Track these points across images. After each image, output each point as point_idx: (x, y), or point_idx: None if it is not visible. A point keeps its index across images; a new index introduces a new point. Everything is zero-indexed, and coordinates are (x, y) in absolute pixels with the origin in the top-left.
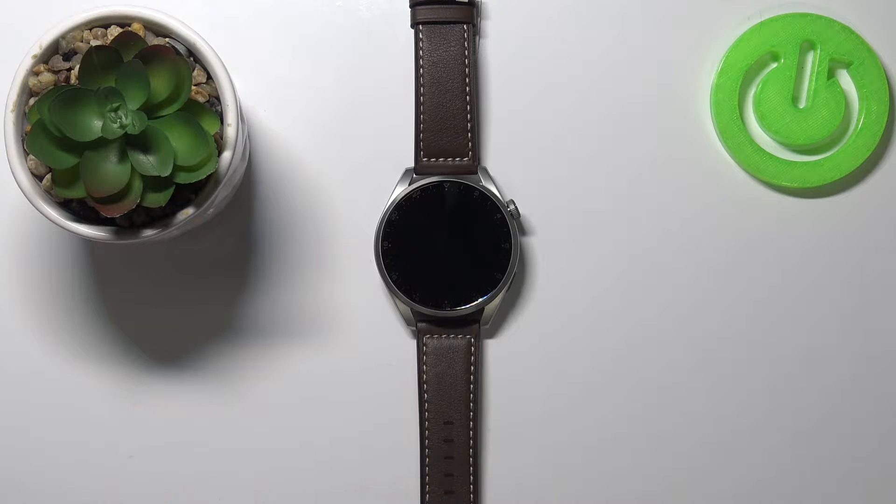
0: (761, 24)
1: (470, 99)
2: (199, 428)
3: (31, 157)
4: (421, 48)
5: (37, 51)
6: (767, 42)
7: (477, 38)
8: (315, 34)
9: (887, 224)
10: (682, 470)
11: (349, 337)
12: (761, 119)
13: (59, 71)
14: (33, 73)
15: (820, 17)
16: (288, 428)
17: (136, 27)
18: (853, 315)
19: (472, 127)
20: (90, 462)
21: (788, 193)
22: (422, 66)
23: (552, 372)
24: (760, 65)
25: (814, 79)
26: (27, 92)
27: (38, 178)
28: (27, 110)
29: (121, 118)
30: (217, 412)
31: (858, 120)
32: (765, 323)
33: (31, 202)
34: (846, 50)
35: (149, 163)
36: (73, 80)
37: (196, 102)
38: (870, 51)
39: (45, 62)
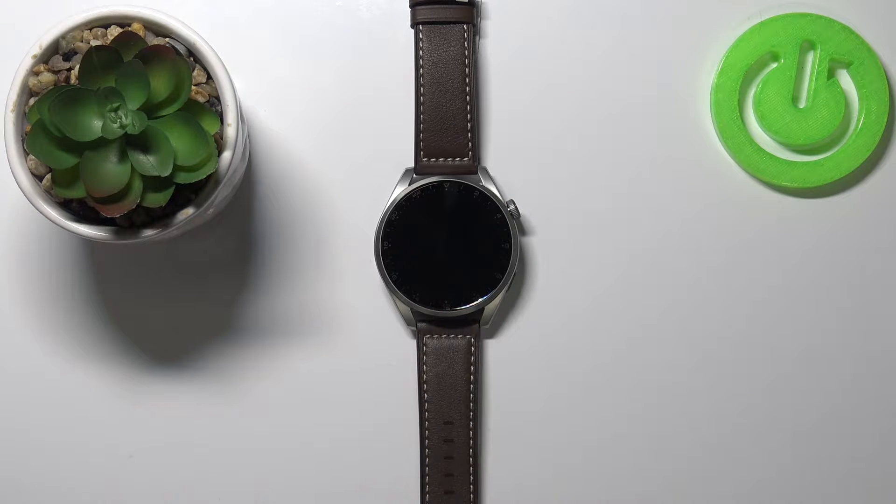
0: (761, 24)
1: (470, 99)
2: (199, 428)
3: (31, 157)
4: (421, 48)
5: (37, 51)
6: (767, 42)
7: (477, 38)
8: (315, 34)
9: (887, 224)
10: (682, 470)
11: (349, 337)
12: (761, 119)
13: (59, 71)
14: (33, 73)
15: (820, 17)
16: (288, 428)
17: (136, 27)
18: (853, 315)
19: (472, 127)
20: (90, 462)
21: (788, 193)
22: (422, 66)
23: (552, 372)
24: (760, 65)
25: (814, 79)
26: (27, 92)
27: (38, 178)
28: (27, 110)
29: (121, 118)
30: (217, 412)
31: (858, 120)
32: (765, 323)
33: (31, 202)
34: (846, 50)
35: (149, 163)
36: (73, 80)
37: (196, 102)
38: (870, 51)
39: (45, 62)
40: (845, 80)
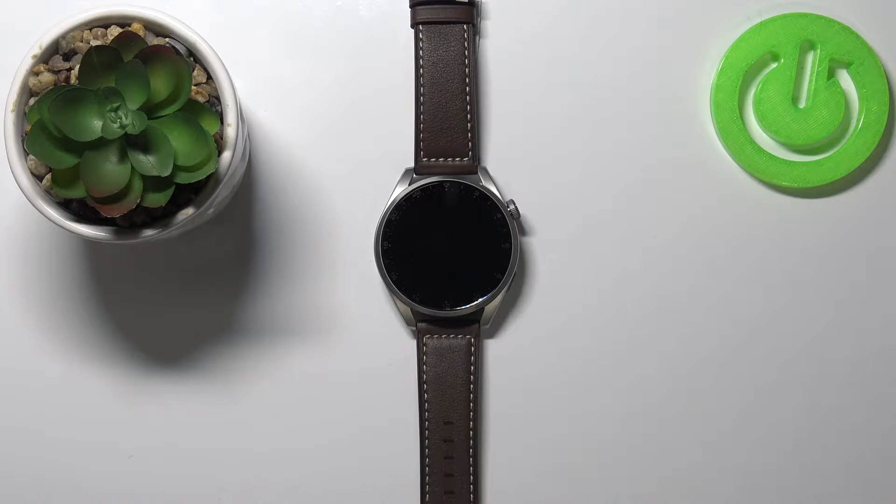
0: (761, 24)
1: (470, 99)
2: (199, 428)
3: (31, 157)
4: (421, 48)
5: (37, 51)
6: (767, 42)
7: (477, 38)
8: (315, 34)
9: (887, 224)
10: (682, 470)
11: (349, 337)
12: (761, 119)
13: (59, 71)
14: (33, 73)
15: (820, 17)
16: (288, 428)
17: (136, 27)
18: (853, 315)
19: (472, 127)
20: (90, 462)
21: (788, 193)
22: (422, 66)
23: (552, 372)
24: (760, 65)
25: (814, 79)
26: (27, 92)
27: (38, 178)
28: (27, 110)
29: (121, 118)
30: (217, 412)
31: (858, 120)
32: (765, 323)
33: (31, 202)
34: (846, 50)
35: (149, 163)
36: (73, 80)
37: (196, 102)
38: (870, 51)
39: (45, 62)
40: (845, 80)
